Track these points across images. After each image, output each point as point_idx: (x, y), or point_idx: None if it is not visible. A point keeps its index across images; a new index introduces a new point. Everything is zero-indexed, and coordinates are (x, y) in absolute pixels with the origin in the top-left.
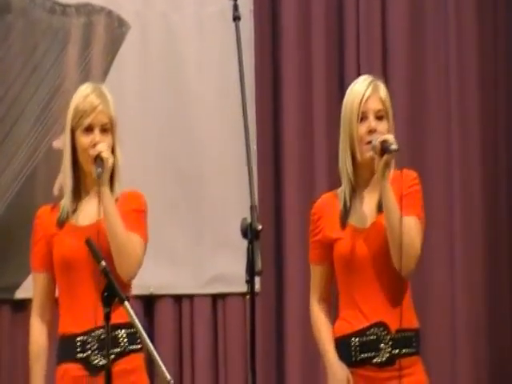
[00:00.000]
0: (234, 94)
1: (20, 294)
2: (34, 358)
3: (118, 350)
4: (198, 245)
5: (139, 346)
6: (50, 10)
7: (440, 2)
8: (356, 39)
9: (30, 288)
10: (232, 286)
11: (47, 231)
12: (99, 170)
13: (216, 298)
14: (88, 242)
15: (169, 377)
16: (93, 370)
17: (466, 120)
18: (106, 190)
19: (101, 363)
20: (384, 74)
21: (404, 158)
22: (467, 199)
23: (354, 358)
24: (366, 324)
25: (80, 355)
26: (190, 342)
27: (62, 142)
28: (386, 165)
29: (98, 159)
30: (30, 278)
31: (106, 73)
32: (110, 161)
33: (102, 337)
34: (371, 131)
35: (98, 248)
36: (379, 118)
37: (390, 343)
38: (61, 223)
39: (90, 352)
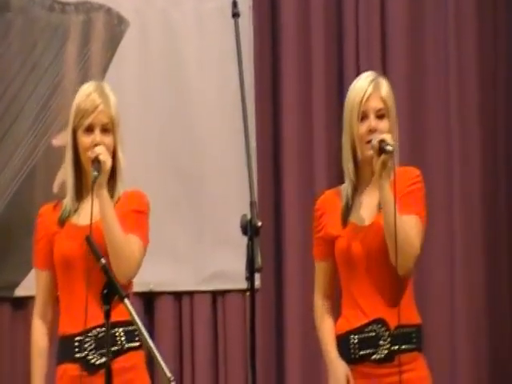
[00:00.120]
0: (233, 91)
1: (20, 292)
2: (34, 359)
3: (116, 348)
4: (198, 242)
5: (137, 344)
6: (49, 8)
7: None
8: (355, 35)
9: (29, 286)
10: (232, 283)
11: (49, 230)
12: (95, 173)
13: (216, 294)
14: (88, 240)
15: (169, 374)
16: (90, 369)
17: (465, 117)
18: (103, 192)
19: (98, 362)
20: (383, 69)
21: (403, 155)
22: (466, 198)
23: (353, 356)
24: (365, 321)
25: (78, 355)
26: (190, 338)
27: (63, 140)
28: (384, 164)
29: (96, 162)
30: (29, 276)
31: (105, 70)
32: (108, 164)
33: (100, 336)
34: (371, 131)
35: (97, 246)
36: (380, 116)
37: (389, 339)
38: (62, 222)
39: (87, 352)
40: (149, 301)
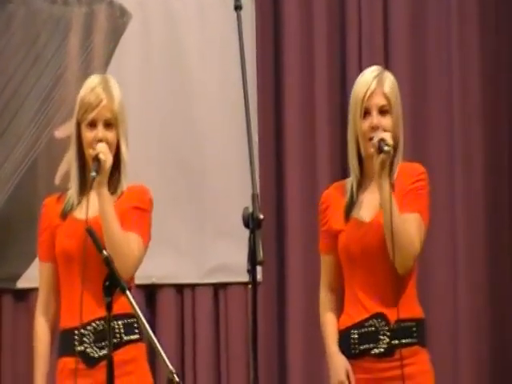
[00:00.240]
0: (235, 84)
1: (21, 284)
2: (37, 355)
3: (115, 340)
4: (199, 235)
5: (137, 337)
6: (52, 0)
7: None
8: (358, 28)
9: (31, 278)
10: (234, 276)
11: (52, 222)
12: (93, 174)
13: (218, 287)
14: (89, 231)
15: (171, 366)
16: (90, 362)
17: (467, 116)
18: (103, 190)
19: (96, 355)
20: (386, 65)
21: (405, 154)
22: (469, 197)
23: (353, 350)
24: (365, 316)
25: (78, 348)
26: (191, 331)
27: (66, 132)
28: (382, 164)
29: (95, 161)
30: (31, 268)
31: (107, 62)
32: (108, 162)
33: (98, 329)
34: (373, 127)
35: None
36: (383, 112)
37: (389, 334)
38: (64, 215)
39: (86, 345)
40: (150, 293)
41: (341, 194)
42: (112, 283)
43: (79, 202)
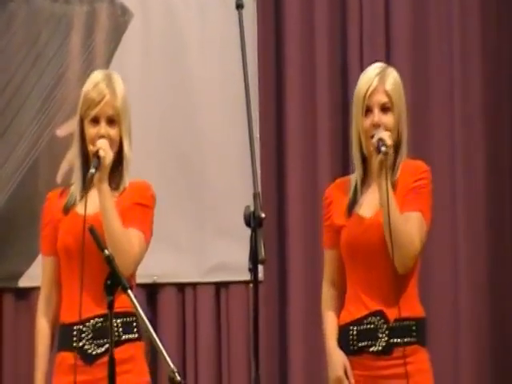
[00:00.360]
0: (236, 82)
1: (23, 283)
2: (38, 353)
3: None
4: (200, 233)
5: (135, 336)
6: None
7: None
8: (359, 25)
9: (33, 276)
10: (235, 275)
11: (54, 216)
12: (92, 170)
13: (219, 286)
14: (91, 230)
15: (172, 365)
16: (88, 358)
17: (469, 115)
18: (103, 186)
19: (94, 352)
20: (387, 60)
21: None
22: (470, 196)
23: (352, 347)
24: (365, 312)
25: (76, 344)
26: (193, 330)
27: (68, 131)
28: (381, 164)
29: (95, 157)
30: (33, 267)
31: (109, 61)
32: (108, 159)
33: (97, 326)
34: (375, 125)
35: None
36: (385, 110)
37: (387, 332)
38: (66, 209)
39: (84, 341)
40: (152, 292)
41: (344, 190)
42: (114, 282)
43: (82, 198)
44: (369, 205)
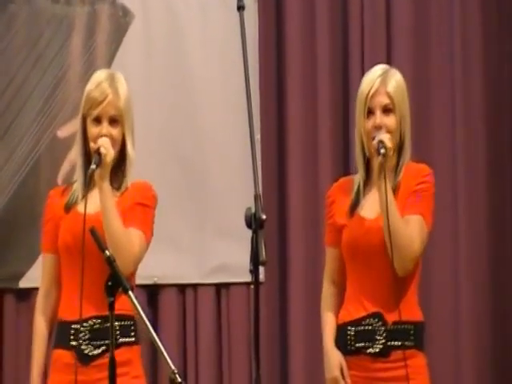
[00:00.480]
0: (237, 82)
1: (24, 284)
2: (35, 350)
3: (110, 341)
4: (201, 234)
5: (133, 339)
6: (54, 0)
7: None
8: (361, 26)
9: (34, 277)
10: (236, 276)
11: (55, 213)
12: (93, 167)
13: (220, 287)
14: (92, 231)
15: (173, 366)
16: (84, 359)
17: (470, 116)
18: (104, 184)
19: (91, 353)
20: (388, 60)
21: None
22: (471, 197)
23: (349, 347)
24: (363, 314)
25: (72, 343)
26: (193, 331)
27: (69, 132)
28: (380, 165)
29: (96, 154)
30: (34, 268)
31: (110, 62)
32: (109, 156)
33: (95, 327)
34: (377, 127)
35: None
36: (387, 112)
37: (385, 335)
38: (68, 208)
39: (81, 341)
40: (152, 293)
41: (347, 189)
42: (114, 283)
43: (83, 197)
44: (371, 206)
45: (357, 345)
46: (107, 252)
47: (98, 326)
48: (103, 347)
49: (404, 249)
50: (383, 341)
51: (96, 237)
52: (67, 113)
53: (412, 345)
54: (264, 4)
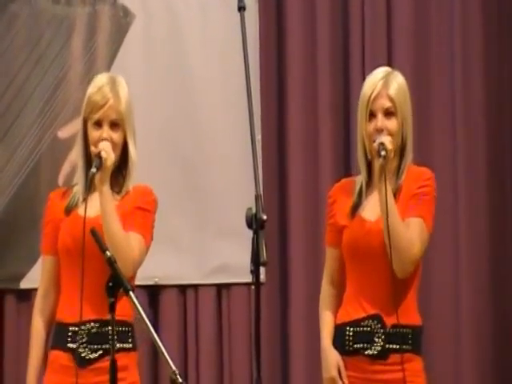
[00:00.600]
0: (238, 83)
1: (25, 284)
2: (32, 342)
3: (107, 346)
4: (202, 235)
5: (130, 346)
6: (55, 0)
7: None
8: (361, 27)
9: (35, 278)
10: (237, 277)
11: (56, 216)
12: (93, 170)
13: (220, 288)
14: (93, 232)
15: (174, 367)
16: (81, 362)
17: (470, 117)
18: (104, 188)
19: (88, 357)
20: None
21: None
22: (471, 198)
23: (347, 347)
24: (362, 315)
25: (70, 345)
26: (194, 332)
27: (69, 132)
28: (381, 168)
29: (97, 158)
30: (35, 268)
31: (110, 63)
32: (110, 160)
33: (93, 331)
34: (378, 130)
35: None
36: (389, 115)
37: (383, 337)
38: (68, 210)
39: (79, 344)
40: (153, 294)
41: (348, 190)
42: (115, 284)
43: (84, 199)
44: (372, 208)
45: (355, 346)
46: (108, 253)
47: (95, 329)
48: (100, 351)
49: (404, 251)
50: (382, 343)
51: (97, 237)
52: (68, 113)
53: (410, 349)
54: (265, 4)
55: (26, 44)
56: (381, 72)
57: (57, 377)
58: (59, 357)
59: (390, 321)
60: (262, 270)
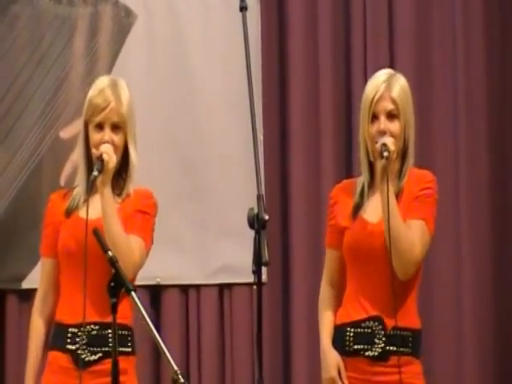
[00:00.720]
0: (240, 83)
1: (27, 285)
2: (31, 350)
3: (107, 349)
4: (204, 235)
5: (129, 350)
6: (57, 0)
7: None
8: (363, 26)
9: (36, 279)
10: (238, 277)
11: (56, 218)
12: (95, 173)
13: (222, 288)
14: (95, 232)
15: (175, 367)
16: (80, 364)
17: (472, 117)
18: (105, 190)
19: (87, 359)
20: (391, 65)
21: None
22: (474, 198)
23: (347, 348)
24: (363, 316)
25: (69, 347)
26: (196, 332)
27: (71, 133)
28: (383, 169)
29: (98, 161)
30: (36, 269)
31: (112, 63)
32: (111, 163)
33: (93, 333)
34: (380, 132)
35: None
36: (391, 117)
37: (384, 339)
38: (68, 212)
39: (78, 345)
40: (155, 294)
41: (350, 191)
42: (117, 284)
43: (85, 202)
44: (374, 210)
45: (355, 346)
46: (110, 252)
47: (95, 332)
48: (100, 354)
49: (405, 253)
50: (382, 345)
51: (99, 237)
52: (70, 114)
53: (409, 352)
54: (266, 4)
55: (27, 45)
56: (383, 74)
57: (55, 377)
58: (58, 358)
59: (390, 323)
60: (264, 270)
